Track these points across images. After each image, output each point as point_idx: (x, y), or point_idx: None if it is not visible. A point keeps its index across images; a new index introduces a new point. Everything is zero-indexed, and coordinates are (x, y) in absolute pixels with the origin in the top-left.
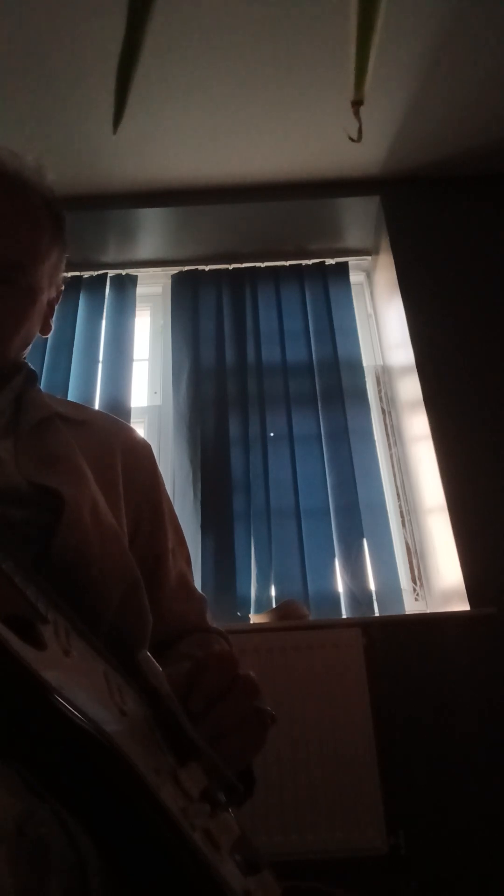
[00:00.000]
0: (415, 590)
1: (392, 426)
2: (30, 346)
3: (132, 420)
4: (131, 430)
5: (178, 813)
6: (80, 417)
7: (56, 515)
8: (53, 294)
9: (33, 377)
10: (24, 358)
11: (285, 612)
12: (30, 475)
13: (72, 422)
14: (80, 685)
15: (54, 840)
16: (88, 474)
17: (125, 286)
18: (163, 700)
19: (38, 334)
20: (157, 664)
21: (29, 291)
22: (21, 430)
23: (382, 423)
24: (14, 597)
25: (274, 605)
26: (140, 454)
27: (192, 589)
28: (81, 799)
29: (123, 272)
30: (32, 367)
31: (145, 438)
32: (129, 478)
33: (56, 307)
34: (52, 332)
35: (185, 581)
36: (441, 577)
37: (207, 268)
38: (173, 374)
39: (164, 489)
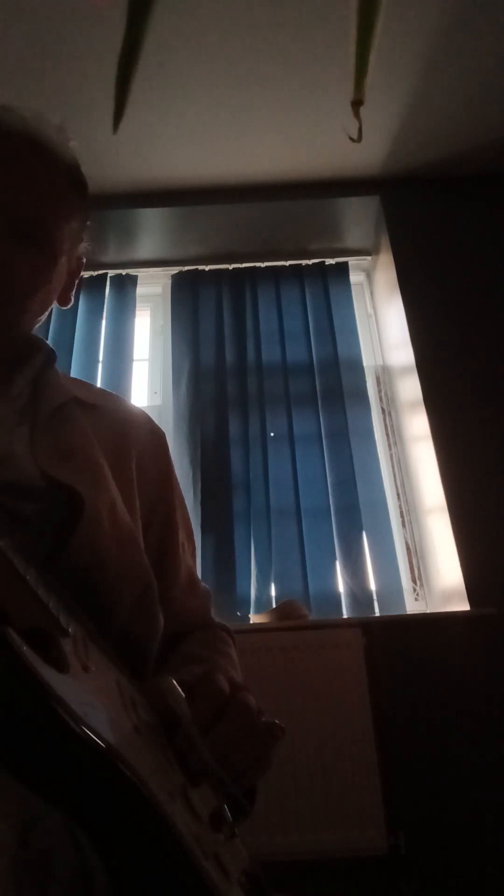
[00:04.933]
0: (415, 590)
1: (392, 426)
2: (46, 315)
3: None
4: (146, 418)
5: (192, 841)
6: (96, 402)
7: (72, 513)
8: (74, 265)
9: (53, 357)
10: (39, 324)
11: (285, 612)
12: (47, 468)
13: (88, 406)
14: (100, 707)
15: (60, 850)
16: (106, 470)
17: (125, 286)
18: (183, 725)
19: (58, 304)
20: (181, 690)
21: (49, 251)
22: (39, 417)
23: (382, 423)
24: (37, 609)
25: (274, 605)
26: (154, 444)
27: (197, 583)
28: (102, 827)
29: (123, 272)
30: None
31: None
32: (142, 469)
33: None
34: (52, 333)
35: (192, 575)
36: (441, 577)
37: (207, 268)
38: (173, 374)
39: (177, 480)
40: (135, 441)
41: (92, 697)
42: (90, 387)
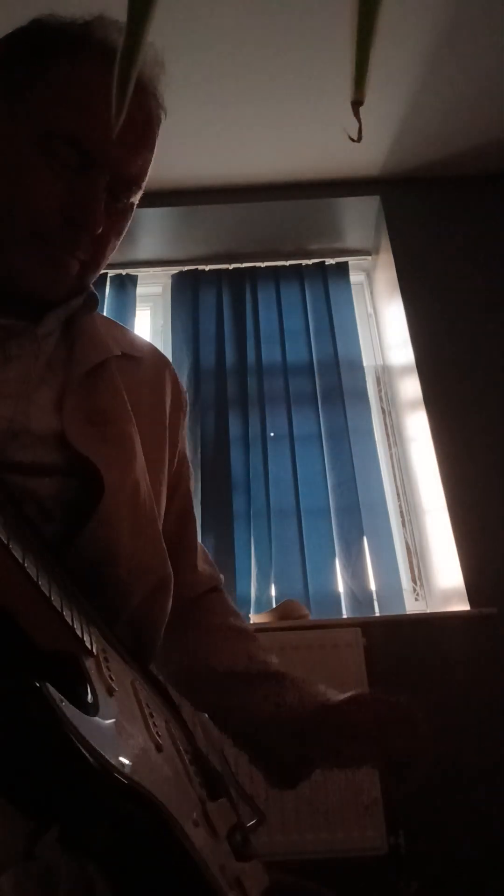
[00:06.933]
0: (415, 590)
1: (392, 426)
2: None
3: None
4: (173, 373)
5: (217, 873)
6: (135, 354)
7: (87, 495)
8: None
9: (94, 301)
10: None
11: (285, 611)
12: (73, 441)
13: (129, 360)
14: (131, 744)
15: (65, 863)
16: (137, 444)
17: (125, 286)
18: (223, 764)
19: None
20: (218, 731)
21: (129, 215)
22: (71, 378)
23: (382, 423)
24: (63, 632)
25: (274, 605)
26: (182, 402)
27: (203, 547)
28: (129, 868)
29: (123, 272)
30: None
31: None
32: (173, 429)
33: None
34: None
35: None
36: (441, 577)
37: (207, 268)
38: None
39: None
40: (168, 400)
41: (123, 733)
42: (125, 334)
